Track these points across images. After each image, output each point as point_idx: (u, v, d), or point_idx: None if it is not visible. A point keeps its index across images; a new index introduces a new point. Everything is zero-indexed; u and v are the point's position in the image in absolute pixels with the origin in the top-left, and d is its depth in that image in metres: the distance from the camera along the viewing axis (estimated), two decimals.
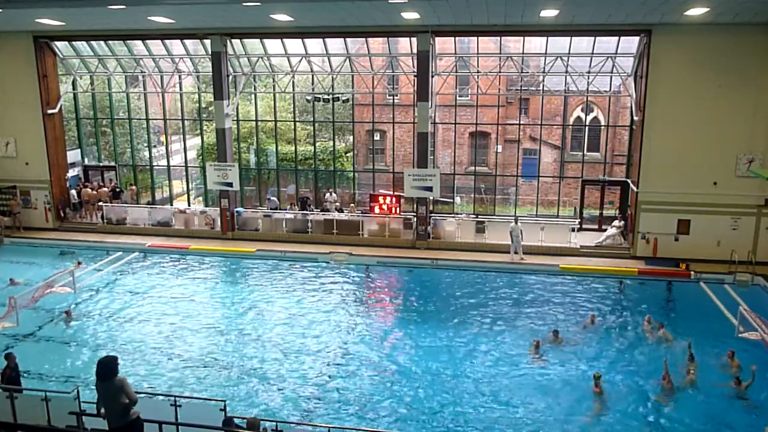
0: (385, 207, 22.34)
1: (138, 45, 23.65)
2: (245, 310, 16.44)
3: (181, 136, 25.73)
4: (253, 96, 25.47)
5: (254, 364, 13.25)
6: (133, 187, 25.57)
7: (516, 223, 20.05)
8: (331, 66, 23.19)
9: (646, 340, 14.32)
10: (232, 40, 21.82)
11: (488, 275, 19.01)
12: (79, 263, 19.75)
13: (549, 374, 12.63)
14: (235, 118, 24.21)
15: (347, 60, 22.86)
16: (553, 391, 11.94)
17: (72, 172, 25.05)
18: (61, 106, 24.04)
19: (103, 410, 7.24)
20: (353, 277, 19.21)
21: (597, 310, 16.17)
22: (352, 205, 24.04)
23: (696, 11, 16.10)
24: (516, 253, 19.84)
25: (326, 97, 23.45)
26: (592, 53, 20.67)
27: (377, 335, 14.85)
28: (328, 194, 24.18)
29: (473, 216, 22.61)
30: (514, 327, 15.04)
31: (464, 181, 26.39)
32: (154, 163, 26.35)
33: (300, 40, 22.10)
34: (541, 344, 13.55)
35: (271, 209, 23.77)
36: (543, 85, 22.45)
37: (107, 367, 7.05)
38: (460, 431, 10.74)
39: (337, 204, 23.80)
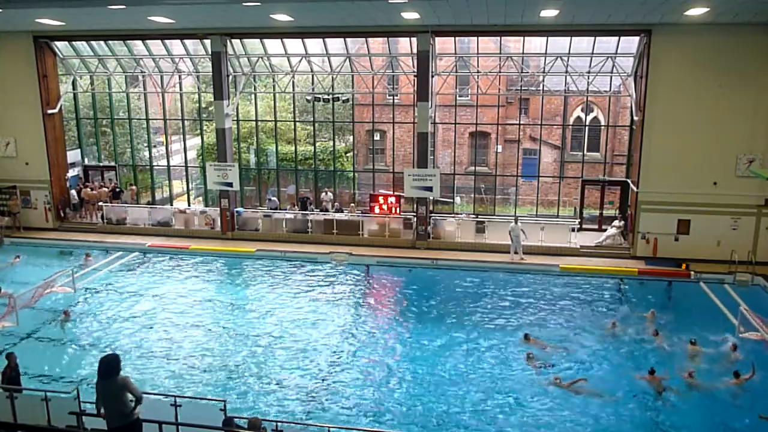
0: (385, 207, 22.34)
1: (138, 45, 23.64)
2: (245, 310, 16.44)
3: (181, 136, 25.73)
4: (253, 96, 25.47)
5: (254, 363, 13.24)
6: (133, 187, 25.57)
7: (516, 222, 20.04)
8: (331, 66, 23.19)
9: (642, 340, 14.31)
10: (232, 40, 21.82)
11: (488, 275, 19.00)
12: (88, 255, 20.51)
13: (546, 376, 12.63)
14: (235, 118, 24.20)
15: (347, 60, 22.86)
16: (547, 393, 11.94)
17: (72, 172, 25.05)
18: (61, 106, 24.03)
19: (102, 410, 7.22)
20: (353, 277, 19.20)
21: (595, 309, 16.27)
22: (352, 205, 24.03)
23: (696, 11, 16.10)
24: (516, 253, 19.83)
25: (326, 97, 23.44)
26: (592, 53, 20.67)
27: (377, 335, 14.85)
28: (323, 194, 24.19)
29: (473, 216, 22.61)
30: (514, 327, 15.01)
31: (464, 181, 26.40)
32: (154, 163, 26.35)
33: (300, 40, 22.09)
34: (533, 356, 13.35)
35: (271, 209, 23.77)
36: (543, 85, 22.45)
37: (109, 366, 7.03)
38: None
39: (337, 204, 23.79)
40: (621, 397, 11.75)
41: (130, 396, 7.15)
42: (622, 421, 11.03)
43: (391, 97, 25.10)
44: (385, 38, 22.38)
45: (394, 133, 24.94)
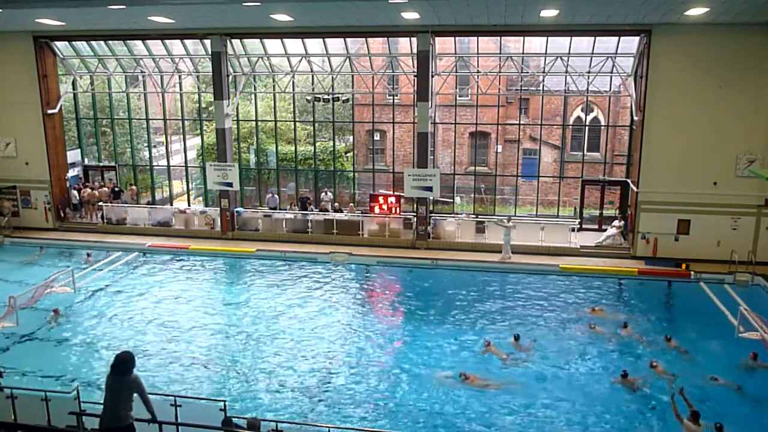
0: (385, 207, 22.34)
1: (138, 45, 23.63)
2: (245, 310, 16.44)
3: (181, 136, 25.73)
4: (253, 96, 25.46)
5: (254, 363, 13.26)
6: (133, 187, 25.58)
7: (509, 222, 20.08)
8: (331, 66, 23.18)
9: (623, 341, 14.32)
10: (232, 40, 21.82)
11: (488, 275, 19.00)
12: (89, 255, 20.78)
13: (543, 373, 12.70)
14: (235, 118, 24.20)
15: (347, 60, 22.86)
16: (543, 392, 12.00)
17: (72, 172, 25.04)
18: (61, 106, 24.03)
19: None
20: (353, 277, 19.20)
21: (586, 309, 16.27)
22: (351, 204, 24.04)
23: (696, 11, 16.10)
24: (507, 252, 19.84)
25: (326, 97, 23.43)
26: (592, 53, 20.67)
27: (377, 335, 14.85)
28: (323, 194, 24.20)
29: (473, 216, 22.62)
30: (514, 327, 14.99)
31: (464, 181, 26.40)
32: (154, 163, 26.35)
33: (300, 40, 22.09)
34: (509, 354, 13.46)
35: (270, 208, 23.77)
36: (543, 85, 22.44)
37: (123, 362, 7.03)
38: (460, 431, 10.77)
39: (337, 204, 23.78)
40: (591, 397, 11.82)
41: (136, 400, 7.14)
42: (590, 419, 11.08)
43: (391, 97, 25.10)
44: (385, 38, 22.38)
45: (394, 133, 24.94)
